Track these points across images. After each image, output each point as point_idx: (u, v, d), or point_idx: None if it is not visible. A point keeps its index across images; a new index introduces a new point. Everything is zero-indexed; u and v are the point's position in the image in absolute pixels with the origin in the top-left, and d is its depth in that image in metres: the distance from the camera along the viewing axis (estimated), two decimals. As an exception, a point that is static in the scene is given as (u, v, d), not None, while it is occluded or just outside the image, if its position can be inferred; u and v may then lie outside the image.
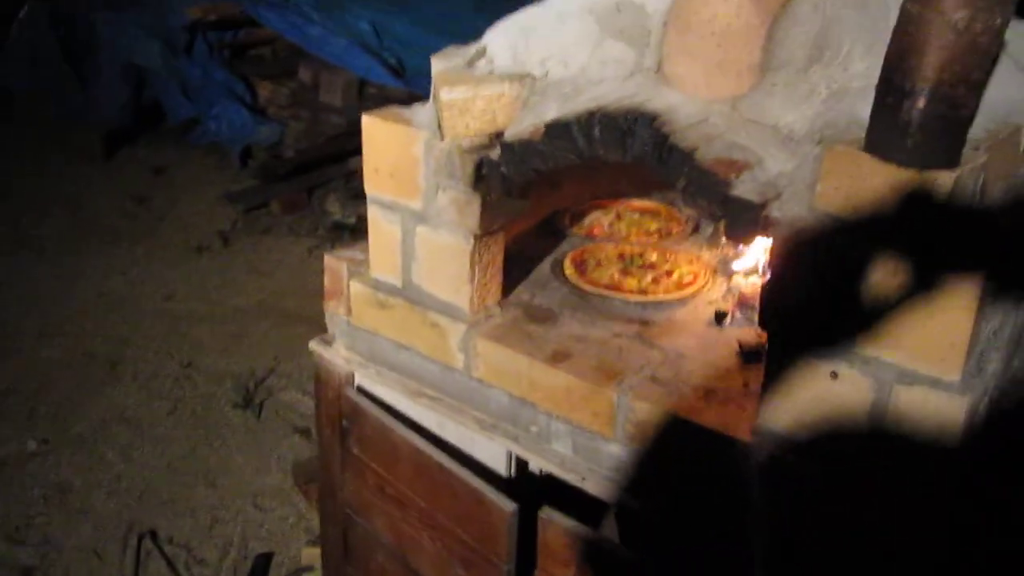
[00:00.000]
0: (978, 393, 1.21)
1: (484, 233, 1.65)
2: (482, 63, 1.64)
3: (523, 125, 1.53)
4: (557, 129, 1.42)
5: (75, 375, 3.85)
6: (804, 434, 1.31)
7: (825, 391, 1.28)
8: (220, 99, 6.09)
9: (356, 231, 5.40)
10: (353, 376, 1.97)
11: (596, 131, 1.39)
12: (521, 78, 1.58)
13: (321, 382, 2.03)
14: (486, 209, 1.63)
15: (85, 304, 4.46)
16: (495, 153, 1.54)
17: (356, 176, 5.79)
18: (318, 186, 5.83)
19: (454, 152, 1.59)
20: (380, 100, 6.22)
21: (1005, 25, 1.06)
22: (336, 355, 1.98)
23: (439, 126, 1.61)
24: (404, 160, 1.69)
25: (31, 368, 3.88)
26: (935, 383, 1.19)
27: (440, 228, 1.68)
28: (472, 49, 1.68)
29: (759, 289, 1.74)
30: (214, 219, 5.53)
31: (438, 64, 1.67)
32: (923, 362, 1.19)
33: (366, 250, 1.89)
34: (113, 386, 3.77)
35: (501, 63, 1.62)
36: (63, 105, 6.52)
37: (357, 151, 5.93)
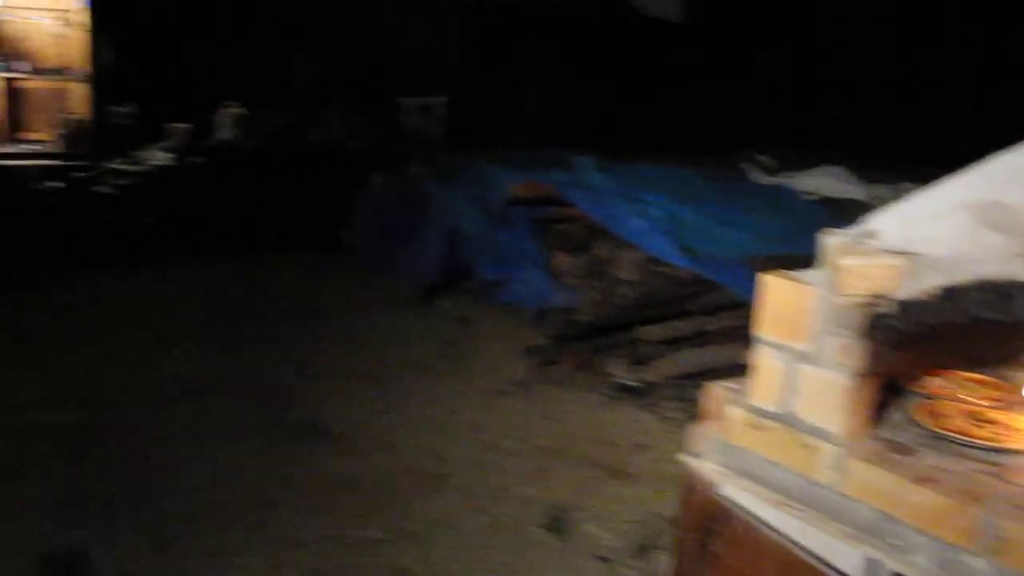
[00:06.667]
0: None
1: (864, 374, 2.06)
2: (870, 241, 2.10)
3: (910, 290, 1.96)
4: (950, 292, 1.84)
5: (407, 480, 4.52)
6: None
7: None
8: (526, 266, 6.98)
9: (640, 393, 5.90)
10: (719, 487, 2.38)
11: (982, 295, 1.79)
12: (906, 254, 2.03)
13: (689, 489, 2.45)
14: (869, 355, 2.04)
15: (411, 424, 5.22)
16: (887, 308, 1.97)
17: (640, 344, 6.36)
18: (604, 349, 6.43)
19: (849, 307, 2.03)
20: (666, 278, 6.86)
21: None
22: (705, 467, 2.41)
23: (832, 286, 2.07)
24: (797, 311, 2.16)
25: (370, 471, 4.61)
26: None
27: (826, 368, 2.11)
28: (859, 230, 2.15)
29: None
30: (513, 368, 6.25)
31: (830, 240, 2.16)
32: None
33: (737, 383, 2.35)
34: (440, 495, 4.39)
35: (889, 242, 2.07)
36: (392, 262, 7.74)
37: (644, 321, 6.42)
